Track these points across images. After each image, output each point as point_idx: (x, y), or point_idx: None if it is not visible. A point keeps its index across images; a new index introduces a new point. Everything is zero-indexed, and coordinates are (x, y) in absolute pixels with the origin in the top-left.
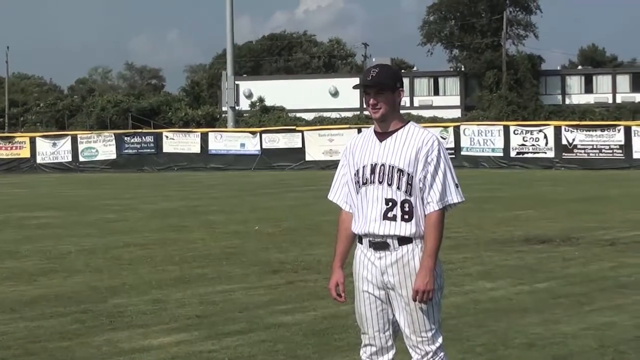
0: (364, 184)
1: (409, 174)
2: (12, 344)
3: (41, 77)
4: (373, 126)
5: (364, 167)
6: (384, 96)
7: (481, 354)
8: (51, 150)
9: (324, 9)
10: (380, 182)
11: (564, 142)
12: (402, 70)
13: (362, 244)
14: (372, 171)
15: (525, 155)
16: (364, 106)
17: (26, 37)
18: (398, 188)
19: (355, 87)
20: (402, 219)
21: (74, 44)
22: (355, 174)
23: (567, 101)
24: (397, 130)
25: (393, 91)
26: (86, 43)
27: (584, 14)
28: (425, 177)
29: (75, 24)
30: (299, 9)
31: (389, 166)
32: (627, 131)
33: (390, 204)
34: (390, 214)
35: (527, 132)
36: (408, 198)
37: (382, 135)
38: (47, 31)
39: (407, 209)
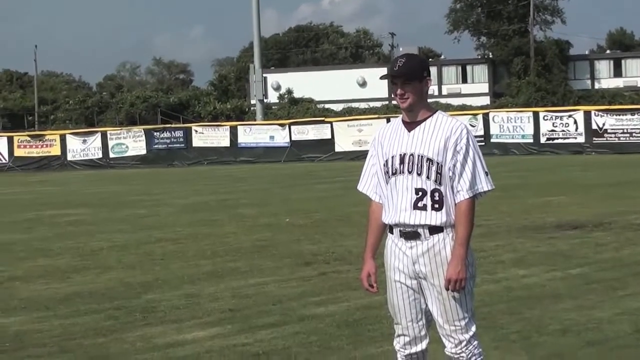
0: (393, 174)
1: (438, 163)
2: (47, 341)
3: (70, 74)
4: (401, 116)
5: (393, 157)
6: (412, 86)
7: (515, 341)
8: (81, 147)
9: None
10: (409, 172)
11: (594, 126)
12: (430, 59)
13: (393, 234)
14: (402, 161)
15: (556, 141)
16: (392, 96)
17: (54, 36)
18: (428, 177)
19: (382, 77)
20: (433, 208)
21: (101, 41)
22: (384, 164)
23: (597, 86)
24: (425, 119)
25: (420, 80)
26: (113, 40)
27: None
28: (454, 165)
29: (101, 21)
30: (324, 0)
31: (418, 155)
32: None
33: (420, 193)
34: (420, 204)
35: (556, 117)
36: (438, 187)
37: (410, 125)
38: (74, 29)
39: (437, 198)
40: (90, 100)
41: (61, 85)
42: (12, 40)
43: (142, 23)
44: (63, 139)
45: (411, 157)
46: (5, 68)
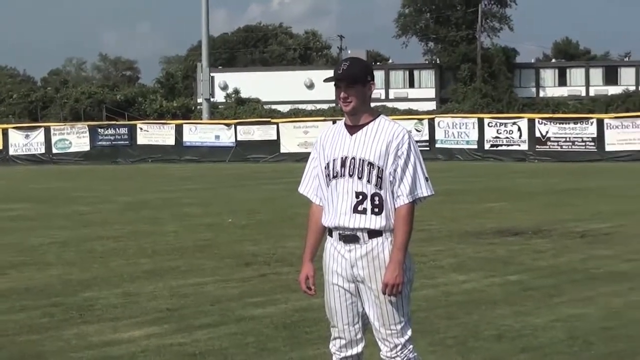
0: (334, 177)
1: (379, 167)
2: None
3: (14, 68)
4: (344, 119)
5: (334, 160)
6: (355, 89)
7: (451, 346)
8: (24, 141)
9: (299, 0)
10: (350, 176)
11: (538, 134)
12: (378, 63)
13: (332, 237)
14: (343, 164)
15: (499, 148)
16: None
17: None
18: (368, 181)
19: (326, 80)
20: (372, 212)
21: (47, 35)
22: (325, 167)
23: (541, 94)
24: (367, 123)
25: (364, 84)
26: (60, 34)
27: (558, 7)
28: (395, 170)
29: (48, 15)
30: (274, 0)
31: (360, 159)
32: (600, 124)
33: (360, 197)
34: (360, 207)
35: (501, 124)
36: (378, 191)
37: (352, 129)
38: (20, 22)
39: (377, 202)
40: (34, 94)
41: (5, 78)
42: None
43: (89, 18)
44: (5, 133)
45: (352, 160)
46: None
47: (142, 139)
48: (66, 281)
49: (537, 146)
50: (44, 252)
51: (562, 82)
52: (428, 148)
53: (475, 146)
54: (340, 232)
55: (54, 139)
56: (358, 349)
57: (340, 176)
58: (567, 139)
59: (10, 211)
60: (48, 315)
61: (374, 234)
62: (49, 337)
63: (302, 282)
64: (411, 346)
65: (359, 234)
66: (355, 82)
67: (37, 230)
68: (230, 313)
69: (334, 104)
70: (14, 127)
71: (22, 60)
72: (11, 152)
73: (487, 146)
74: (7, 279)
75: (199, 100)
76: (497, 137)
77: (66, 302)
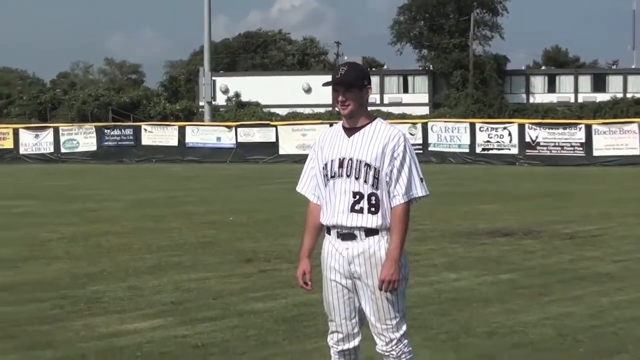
0: (332, 177)
1: (375, 168)
2: None
3: (24, 70)
4: (341, 122)
5: (332, 161)
6: (353, 93)
7: (444, 341)
8: (34, 141)
9: (298, 8)
10: (348, 176)
11: (528, 139)
12: (373, 69)
13: (330, 234)
14: (341, 165)
15: (490, 152)
16: (334, 102)
17: (9, 32)
18: (365, 181)
19: (325, 84)
20: (369, 211)
21: (55, 38)
22: (323, 167)
23: (531, 100)
24: (364, 126)
25: (361, 89)
26: (67, 38)
27: (548, 16)
28: (391, 171)
29: (56, 19)
30: (273, 8)
31: (357, 160)
32: (588, 129)
33: (357, 196)
34: (357, 207)
35: (492, 129)
36: (375, 191)
37: (350, 131)
38: (29, 26)
39: (373, 202)
40: (43, 96)
41: (16, 80)
42: None
43: (95, 23)
44: (16, 133)
45: (350, 161)
46: None
47: (146, 139)
48: (74, 275)
49: (527, 150)
50: (53, 247)
51: (552, 88)
52: (421, 151)
53: (467, 150)
54: (338, 230)
55: (62, 138)
56: (355, 342)
57: (338, 176)
58: (556, 144)
59: (21, 207)
60: (57, 307)
61: (370, 232)
62: (58, 327)
63: (299, 278)
64: (406, 341)
65: (356, 232)
66: (352, 86)
67: (46, 226)
68: (232, 307)
69: (330, 108)
70: (24, 127)
71: (30, 62)
72: (21, 151)
73: (478, 150)
74: (18, 272)
75: (201, 103)
76: (488, 142)
77: (74, 294)
